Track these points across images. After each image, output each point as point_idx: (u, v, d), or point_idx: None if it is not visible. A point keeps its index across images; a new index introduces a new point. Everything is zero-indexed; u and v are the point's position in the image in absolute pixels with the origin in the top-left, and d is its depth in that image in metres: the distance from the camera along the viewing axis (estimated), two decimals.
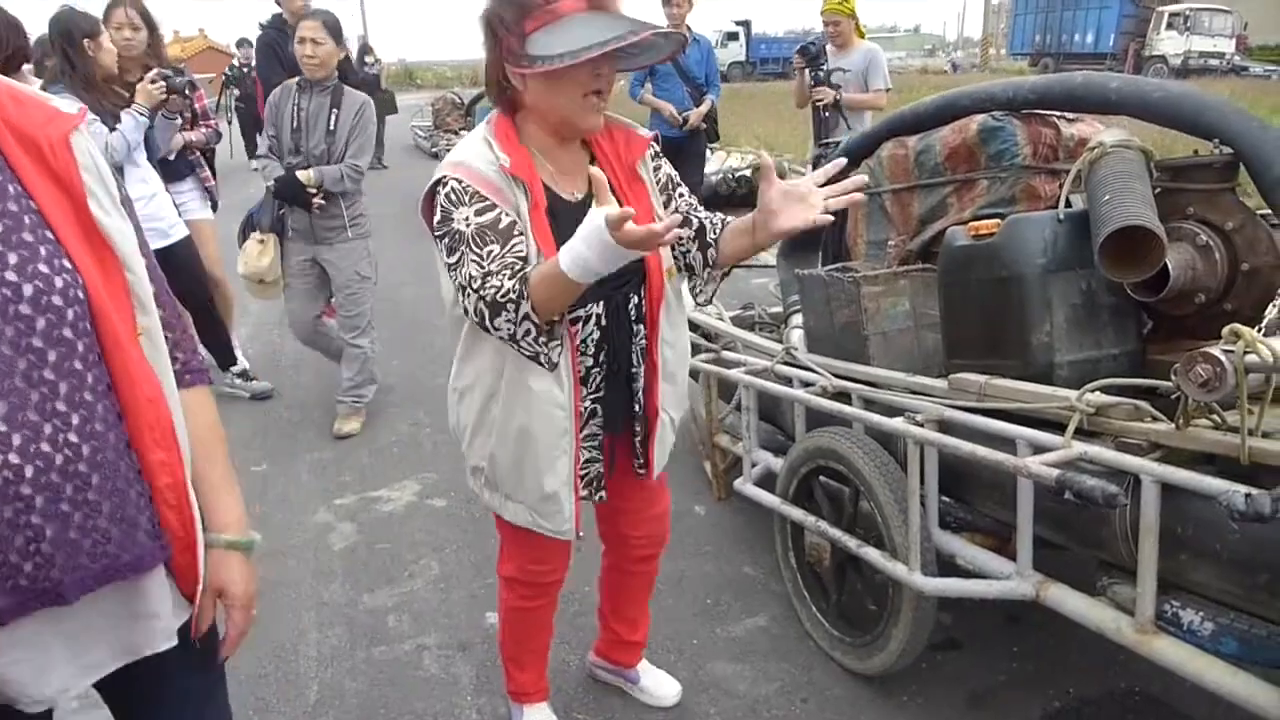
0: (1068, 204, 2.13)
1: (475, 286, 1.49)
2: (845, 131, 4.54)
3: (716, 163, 9.34)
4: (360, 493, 3.49)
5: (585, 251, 1.36)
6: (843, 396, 2.40)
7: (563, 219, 1.57)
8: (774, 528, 2.63)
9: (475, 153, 1.58)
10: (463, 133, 10.35)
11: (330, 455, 3.83)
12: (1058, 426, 1.81)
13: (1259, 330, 1.73)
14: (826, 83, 4.86)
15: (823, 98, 4.84)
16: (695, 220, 1.78)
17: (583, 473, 1.77)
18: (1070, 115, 2.47)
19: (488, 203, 1.52)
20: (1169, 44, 27.48)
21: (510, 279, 1.48)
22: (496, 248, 1.50)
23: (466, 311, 1.54)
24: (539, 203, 1.57)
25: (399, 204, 10.62)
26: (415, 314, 6.00)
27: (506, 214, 1.53)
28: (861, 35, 5.25)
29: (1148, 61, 27.62)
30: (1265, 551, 1.48)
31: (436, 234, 1.57)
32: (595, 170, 1.41)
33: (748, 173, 8.79)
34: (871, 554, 2.13)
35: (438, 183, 1.56)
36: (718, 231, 1.76)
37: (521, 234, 1.54)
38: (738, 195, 8.69)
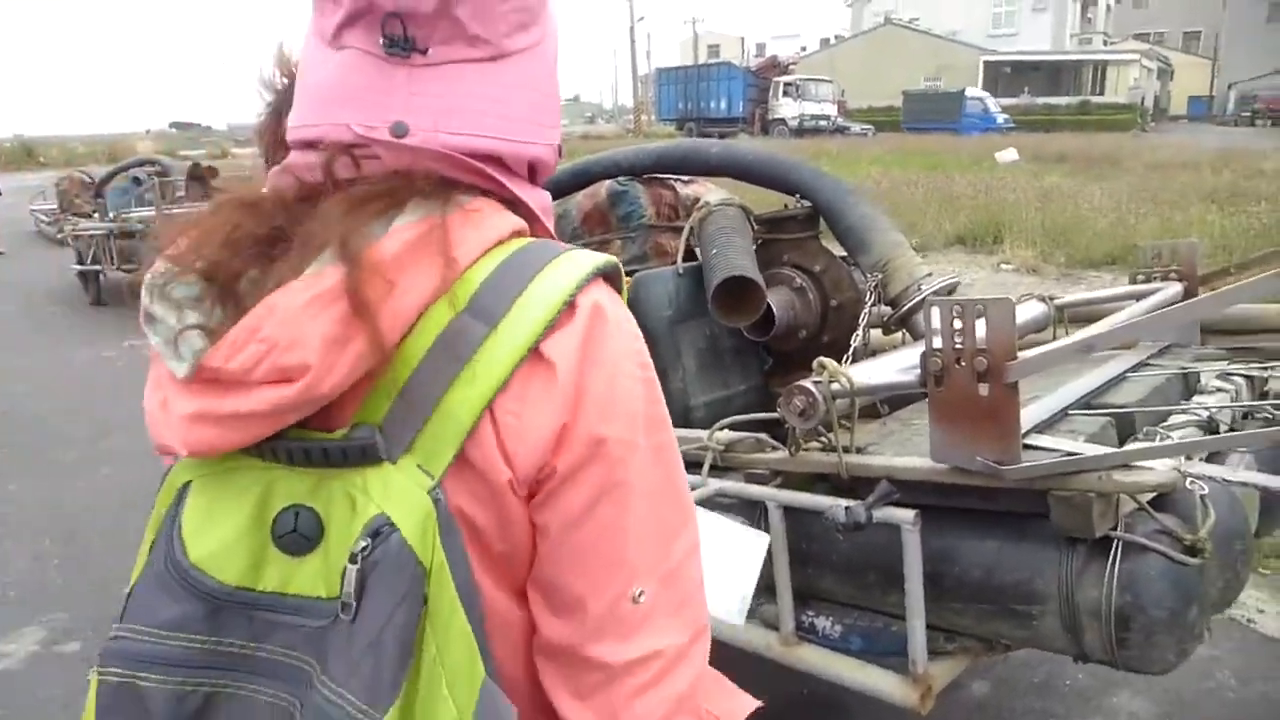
0: (690, 258, 2.32)
1: None
2: None
3: None
4: None
5: None
6: None
7: None
8: None
9: None
10: (94, 215, 9.23)
11: None
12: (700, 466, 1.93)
13: (847, 357, 1.99)
14: None
15: None
16: None
17: None
18: (686, 178, 2.71)
19: None
20: (786, 109, 31.72)
21: None
22: None
23: None
24: None
25: (21, 299, 9.22)
26: (41, 427, 5.18)
27: None
28: None
29: (772, 123, 31.63)
30: (868, 553, 1.68)
31: None
32: None
33: None
34: None
35: None
36: None
37: None
38: None
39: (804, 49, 47.33)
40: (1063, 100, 35.26)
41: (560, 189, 2.84)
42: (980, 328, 1.41)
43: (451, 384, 0.58)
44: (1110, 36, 46.43)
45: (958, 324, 1.42)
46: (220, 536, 0.59)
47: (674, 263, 2.48)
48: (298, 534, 0.58)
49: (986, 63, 37.45)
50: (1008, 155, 19.09)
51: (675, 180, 2.70)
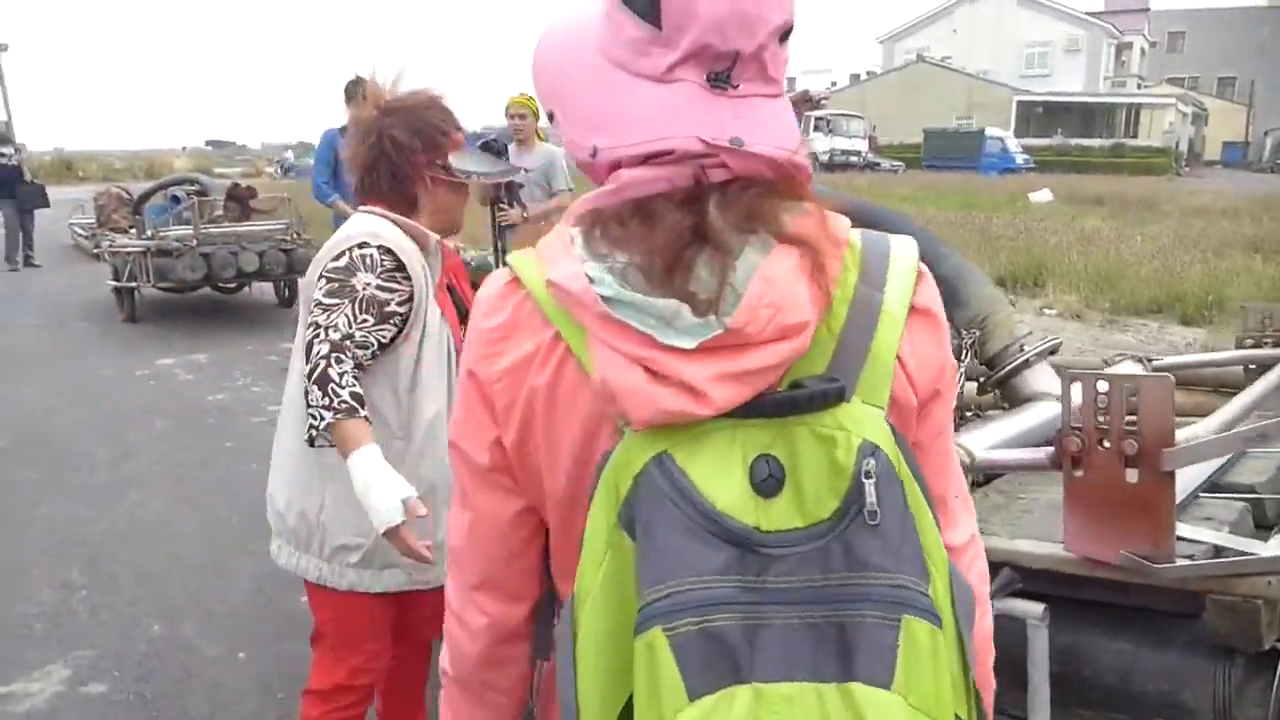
0: None
1: (333, 336, 1.63)
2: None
3: None
4: None
5: (370, 485, 1.55)
6: None
7: (450, 294, 1.91)
8: None
9: (393, 231, 1.77)
10: (131, 231, 9.24)
11: None
12: None
13: None
14: (516, 200, 4.80)
15: (509, 220, 4.74)
16: None
17: None
18: None
19: (391, 284, 1.71)
20: (817, 143, 31.64)
21: (356, 364, 1.63)
22: (370, 320, 1.68)
23: (309, 348, 1.63)
24: (443, 283, 1.85)
25: (53, 312, 9.22)
26: (68, 445, 5.11)
27: (400, 302, 1.73)
28: (542, 138, 5.30)
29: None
30: None
31: (328, 273, 1.70)
32: None
33: None
34: None
35: (358, 245, 1.72)
36: None
37: (395, 325, 1.73)
38: None
39: (835, 84, 47.42)
40: (1096, 142, 35.03)
41: None
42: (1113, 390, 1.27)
43: (873, 336, 0.74)
44: (1144, 80, 46.26)
45: (1102, 400, 1.28)
46: (732, 488, 0.67)
47: None
48: (771, 478, 0.68)
49: (1019, 102, 37.35)
50: (1042, 196, 18.92)
51: None
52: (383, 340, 1.70)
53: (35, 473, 4.68)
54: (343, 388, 1.58)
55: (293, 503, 1.85)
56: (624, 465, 0.69)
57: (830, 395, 0.69)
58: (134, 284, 8.42)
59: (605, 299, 0.69)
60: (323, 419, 1.58)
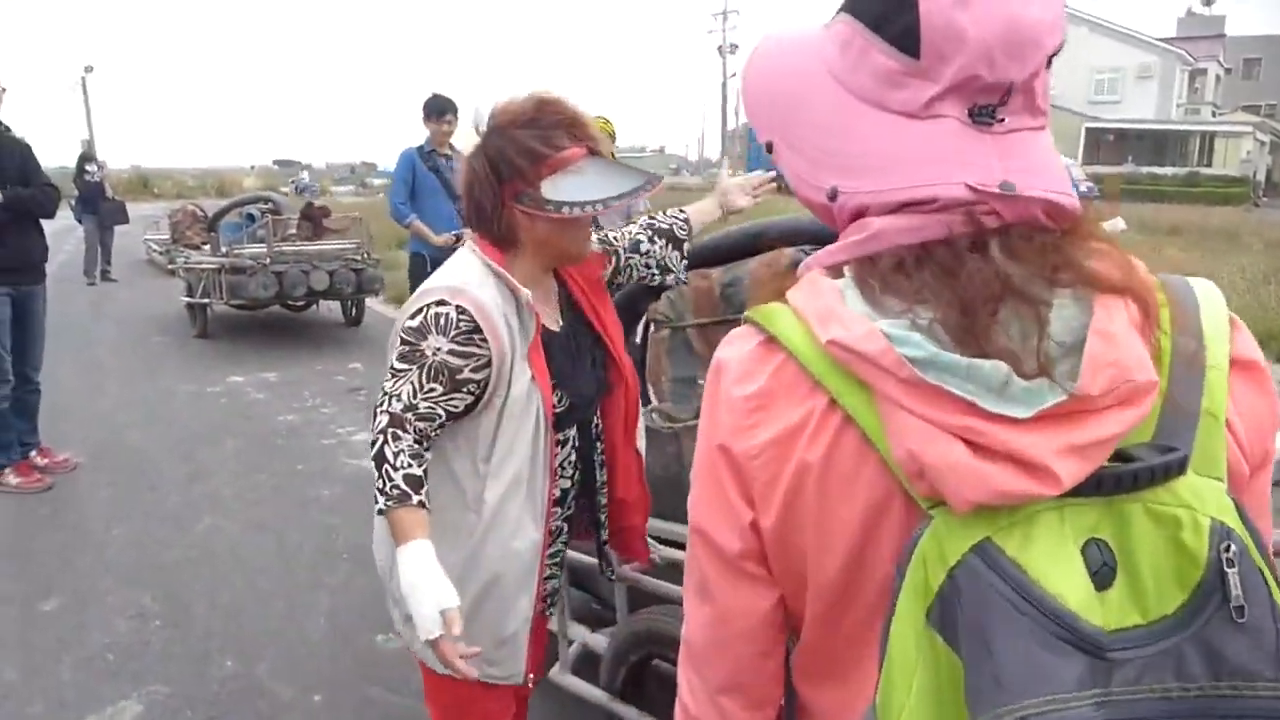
0: None
1: (394, 407, 1.49)
2: None
3: None
4: None
5: (415, 587, 1.38)
6: (674, 568, 2.10)
7: (552, 349, 1.65)
8: None
9: (481, 281, 1.57)
10: (204, 248, 9.40)
11: (11, 678, 2.96)
12: None
13: None
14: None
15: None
16: (659, 228, 2.01)
17: (545, 592, 1.77)
18: None
19: (468, 349, 1.53)
20: None
21: (418, 440, 1.49)
22: (438, 390, 1.52)
23: (374, 415, 1.52)
24: (538, 342, 1.61)
25: (130, 328, 9.39)
26: (144, 463, 5.10)
27: (476, 369, 1.54)
28: (614, 160, 5.21)
29: None
30: None
31: (402, 333, 1.55)
32: None
33: None
34: None
35: (435, 302, 1.54)
36: (687, 228, 2.04)
37: (471, 393, 1.55)
38: None
39: None
40: (1169, 170, 34.01)
41: (728, 254, 2.57)
42: None
43: (1201, 394, 0.63)
44: (1219, 108, 44.95)
45: None
46: (1076, 582, 0.58)
47: None
48: (1106, 567, 0.58)
49: (1088, 129, 36.52)
50: (1115, 225, 18.25)
51: None
52: (453, 410, 1.54)
53: (112, 490, 4.67)
54: (397, 470, 1.45)
55: (378, 560, 1.74)
56: (935, 556, 0.59)
57: (1173, 468, 0.59)
58: (207, 300, 8.52)
59: (914, 360, 0.60)
60: (378, 502, 1.45)
